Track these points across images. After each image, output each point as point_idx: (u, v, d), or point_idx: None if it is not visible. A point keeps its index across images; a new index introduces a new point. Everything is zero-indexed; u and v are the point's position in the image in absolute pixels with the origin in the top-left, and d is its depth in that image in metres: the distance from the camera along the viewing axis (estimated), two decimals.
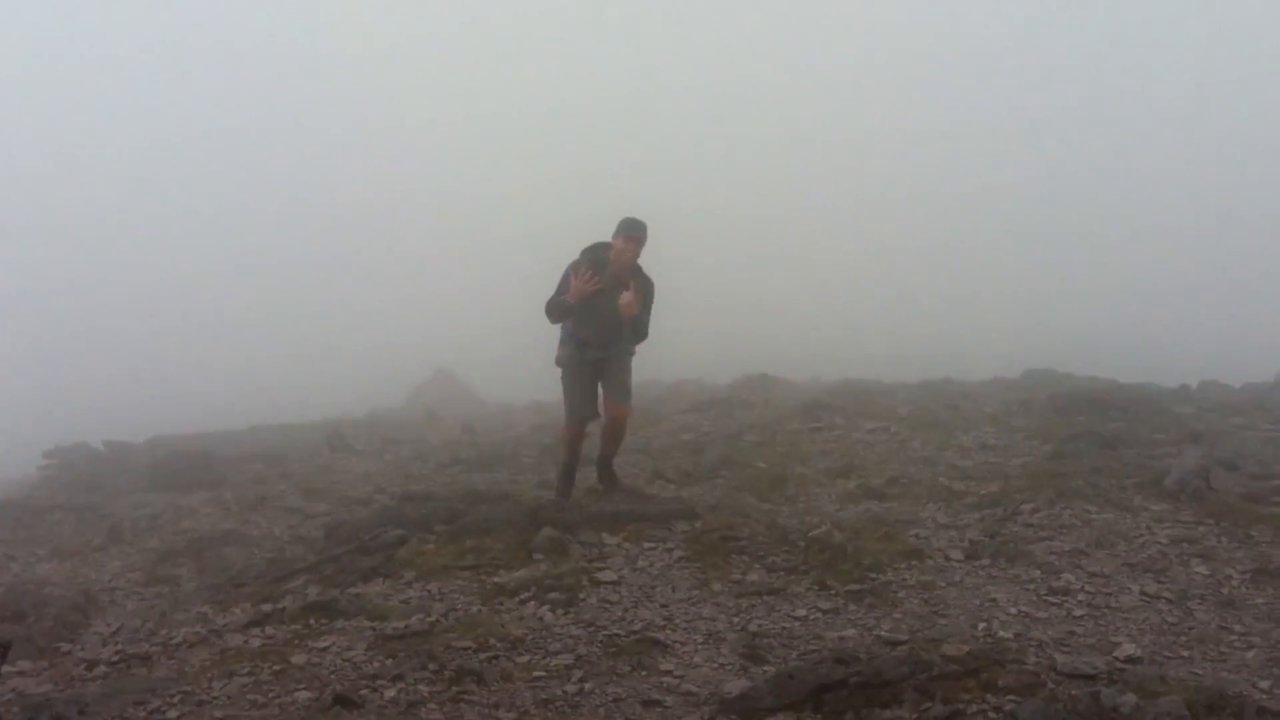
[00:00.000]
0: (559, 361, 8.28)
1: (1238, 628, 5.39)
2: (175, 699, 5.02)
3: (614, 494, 8.43)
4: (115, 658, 5.80)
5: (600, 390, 8.26)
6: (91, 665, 5.73)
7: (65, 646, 6.22)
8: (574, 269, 7.97)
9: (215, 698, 5.03)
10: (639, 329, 8.14)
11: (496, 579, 6.64)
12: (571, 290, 7.88)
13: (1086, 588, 6.03)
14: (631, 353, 8.24)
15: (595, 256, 8.02)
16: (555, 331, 8.38)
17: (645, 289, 8.09)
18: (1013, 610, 5.72)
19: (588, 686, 4.97)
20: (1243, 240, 45.83)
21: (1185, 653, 5.09)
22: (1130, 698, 4.23)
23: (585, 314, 8.01)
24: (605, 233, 8.18)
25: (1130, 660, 4.91)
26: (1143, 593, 5.92)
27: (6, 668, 5.75)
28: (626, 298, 7.77)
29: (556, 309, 8.03)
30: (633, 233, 7.94)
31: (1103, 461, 8.92)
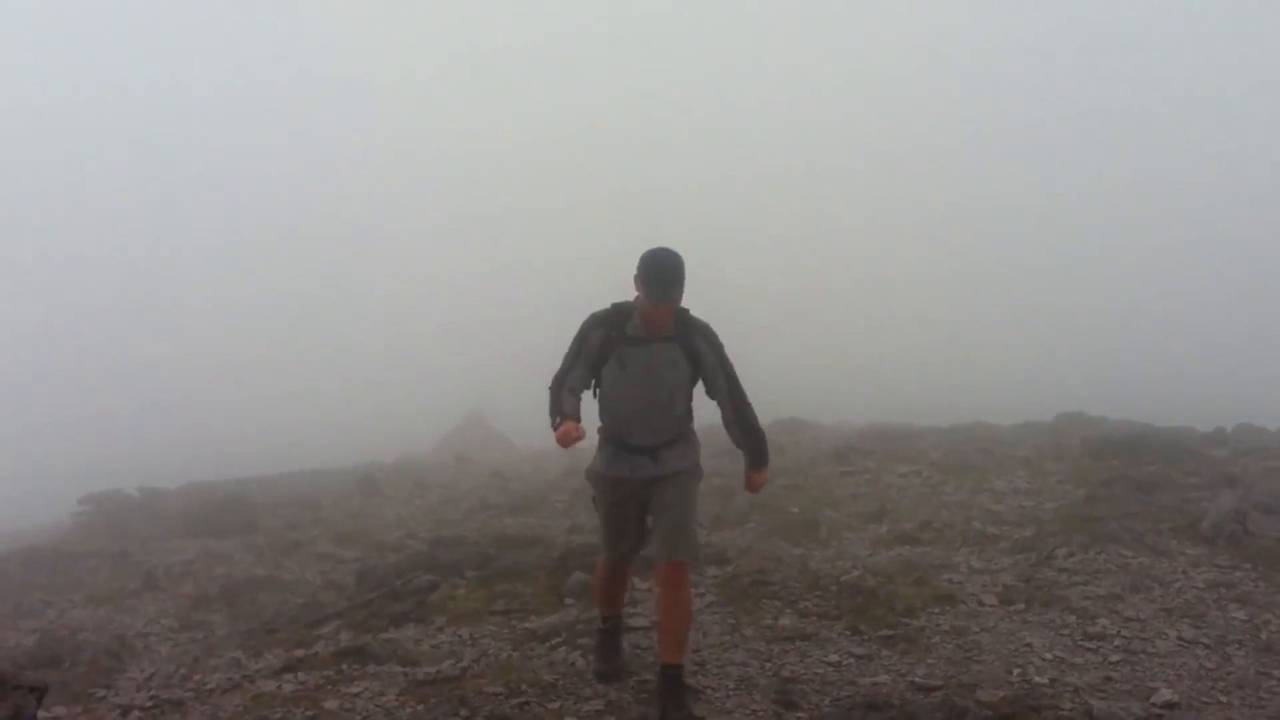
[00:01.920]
0: (589, 476, 5.33)
1: (1277, 673, 5.32)
2: None
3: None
4: (149, 703, 5.83)
5: (650, 529, 5.22)
6: (126, 711, 5.76)
7: (100, 692, 6.27)
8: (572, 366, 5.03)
9: None
10: (735, 397, 5.16)
11: (527, 624, 6.64)
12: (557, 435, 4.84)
13: (1122, 633, 5.96)
14: (695, 473, 5.21)
15: (607, 333, 4.99)
16: None
17: (706, 342, 5.08)
18: (1048, 656, 5.66)
19: None
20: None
21: (1224, 698, 5.02)
22: None
23: (617, 398, 5.08)
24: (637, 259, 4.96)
25: (1168, 706, 4.85)
26: (1180, 638, 5.85)
27: (41, 713, 5.78)
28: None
29: (551, 407, 4.95)
30: (661, 296, 4.82)
31: (1137, 505, 8.84)
